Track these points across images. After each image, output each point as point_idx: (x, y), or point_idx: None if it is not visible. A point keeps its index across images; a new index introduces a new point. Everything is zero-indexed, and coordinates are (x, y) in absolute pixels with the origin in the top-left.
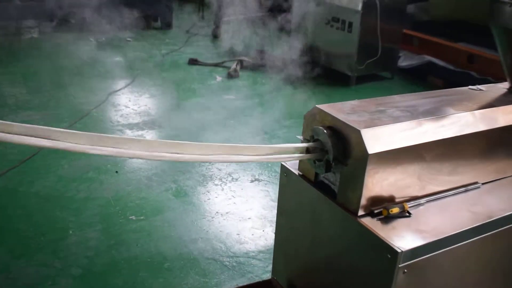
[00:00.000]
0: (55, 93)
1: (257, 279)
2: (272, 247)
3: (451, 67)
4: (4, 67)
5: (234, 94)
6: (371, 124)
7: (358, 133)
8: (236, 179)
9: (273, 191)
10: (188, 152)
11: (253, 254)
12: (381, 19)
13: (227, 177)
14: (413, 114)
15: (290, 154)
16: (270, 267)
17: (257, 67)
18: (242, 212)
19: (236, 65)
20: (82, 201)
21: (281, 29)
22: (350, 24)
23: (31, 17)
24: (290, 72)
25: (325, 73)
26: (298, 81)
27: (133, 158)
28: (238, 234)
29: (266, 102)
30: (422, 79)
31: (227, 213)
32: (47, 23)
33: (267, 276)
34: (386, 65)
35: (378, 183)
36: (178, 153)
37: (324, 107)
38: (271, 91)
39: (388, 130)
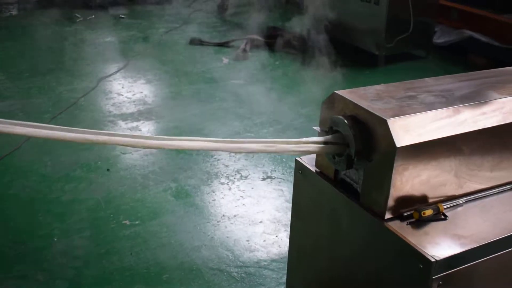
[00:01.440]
0: (37, 79)
1: None
2: (287, 255)
3: (496, 43)
4: None
5: (243, 79)
6: (399, 113)
7: (384, 123)
8: (246, 177)
9: (288, 191)
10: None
11: (265, 263)
12: None
13: (235, 174)
14: (449, 100)
15: (306, 147)
16: (284, 279)
17: (270, 47)
18: (252, 215)
19: (245, 45)
20: (68, 203)
21: (299, 2)
22: None
23: None
24: (308, 51)
25: (348, 52)
26: (317, 62)
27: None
28: (247, 241)
29: (280, 87)
30: (462, 58)
31: (235, 216)
32: None
33: (282, 286)
34: (420, 42)
35: (408, 181)
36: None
37: (345, 93)
38: (286, 75)
39: (419, 119)
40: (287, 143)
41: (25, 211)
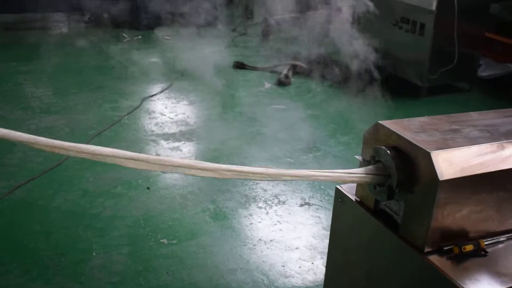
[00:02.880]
0: (83, 96)
1: None
2: (322, 282)
3: None
4: (29, 65)
5: (284, 104)
6: (443, 146)
7: (427, 155)
8: (283, 202)
9: (326, 218)
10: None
11: None
12: (458, 21)
13: (273, 199)
14: (494, 135)
15: (348, 176)
16: None
17: (312, 73)
18: (288, 241)
19: (288, 71)
20: (108, 219)
21: (341, 30)
22: (422, 26)
23: (61, 9)
24: (350, 79)
25: (391, 82)
26: (359, 91)
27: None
28: (283, 266)
29: (321, 114)
30: (506, 92)
31: (271, 240)
32: (78, 17)
33: None
34: (464, 75)
35: (449, 215)
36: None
37: (388, 123)
38: (327, 101)
39: (463, 153)
40: (332, 172)
41: (66, 224)
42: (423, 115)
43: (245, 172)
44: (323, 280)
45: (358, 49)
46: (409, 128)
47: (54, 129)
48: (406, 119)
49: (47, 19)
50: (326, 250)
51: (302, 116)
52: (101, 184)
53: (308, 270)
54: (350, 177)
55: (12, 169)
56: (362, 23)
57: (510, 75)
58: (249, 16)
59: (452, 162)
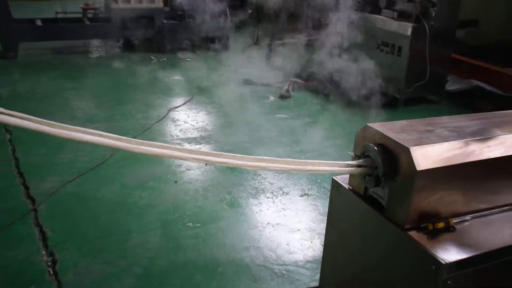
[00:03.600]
0: (120, 107)
1: (304, 287)
2: (320, 258)
3: (499, 92)
4: (74, 83)
5: (285, 113)
6: (420, 143)
7: (407, 150)
8: (287, 193)
9: (322, 206)
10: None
11: (302, 263)
12: (430, 44)
13: (278, 190)
14: (461, 134)
15: (343, 169)
16: (317, 276)
17: (308, 88)
18: (291, 224)
19: (288, 86)
20: (144, 207)
21: (332, 52)
22: (400, 49)
23: (99, 37)
24: (340, 93)
25: (374, 95)
26: (347, 103)
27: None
28: (287, 244)
29: (316, 122)
30: (470, 104)
31: (277, 224)
32: (113, 43)
33: (314, 284)
34: (434, 89)
35: (425, 198)
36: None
37: (375, 125)
38: (321, 111)
39: (436, 148)
40: (330, 165)
41: (110, 211)
42: None
43: (255, 164)
44: (320, 255)
45: (346, 68)
46: (392, 129)
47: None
48: (389, 122)
49: (88, 45)
50: (323, 232)
51: (301, 123)
52: (137, 179)
53: (308, 248)
54: (344, 168)
55: (64, 167)
56: (349, 47)
57: (473, 89)
58: (256, 41)
59: (427, 156)
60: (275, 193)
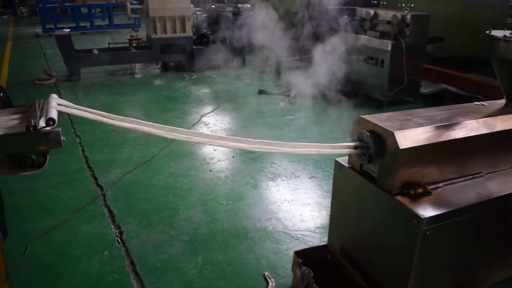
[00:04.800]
0: (162, 115)
1: (315, 246)
2: (326, 225)
3: (462, 92)
4: (124, 97)
5: (293, 115)
6: (401, 128)
7: (392, 134)
8: (298, 176)
9: (326, 185)
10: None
11: (312, 229)
12: (406, 57)
13: (291, 175)
14: (432, 121)
15: (344, 150)
16: (325, 238)
17: (311, 96)
18: (303, 200)
19: (295, 94)
20: (187, 190)
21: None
22: (382, 61)
23: (142, 60)
24: (336, 99)
25: (363, 99)
26: (342, 105)
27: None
28: (300, 215)
29: (318, 121)
30: (439, 103)
31: (292, 200)
32: (153, 65)
33: (323, 243)
34: (411, 92)
35: (406, 170)
36: (263, 145)
37: (367, 117)
38: (322, 113)
39: (414, 132)
40: (332, 147)
41: (161, 194)
42: None
43: (269, 147)
44: (327, 223)
45: (340, 79)
46: (380, 119)
47: (145, 137)
48: (378, 114)
49: (134, 68)
50: (328, 205)
51: (306, 123)
52: (180, 169)
53: (317, 217)
54: (344, 150)
55: (123, 162)
56: (342, 61)
57: (442, 91)
58: (267, 59)
59: (407, 137)
60: (288, 176)
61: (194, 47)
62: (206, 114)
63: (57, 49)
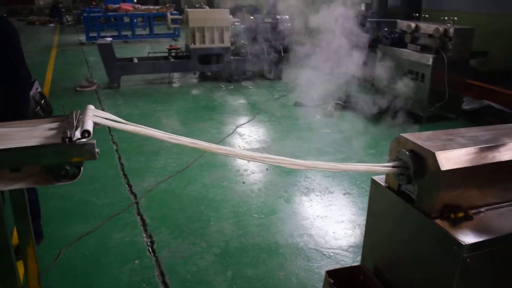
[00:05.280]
0: (198, 125)
1: (347, 265)
2: (360, 243)
3: (506, 109)
4: (162, 106)
5: (330, 129)
6: (443, 148)
7: (433, 155)
8: (332, 192)
9: (361, 202)
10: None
11: (345, 247)
12: (448, 71)
13: (325, 190)
14: (476, 142)
15: (382, 169)
16: (358, 258)
17: (348, 109)
18: (336, 217)
19: (331, 107)
20: (219, 201)
21: (367, 79)
22: (423, 75)
23: (180, 70)
24: (374, 112)
25: (401, 114)
26: (380, 119)
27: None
28: (333, 232)
29: (355, 135)
30: (482, 120)
31: (325, 216)
32: (191, 75)
33: (356, 263)
34: (452, 108)
35: (447, 193)
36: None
37: (406, 135)
38: (359, 127)
39: (456, 153)
40: (372, 165)
41: (194, 204)
42: None
43: (302, 164)
44: (360, 242)
45: (379, 92)
46: (420, 138)
47: (180, 146)
48: (417, 132)
49: (172, 77)
50: (362, 223)
51: (342, 137)
52: (214, 180)
53: (351, 235)
54: (382, 169)
55: (158, 171)
56: (381, 74)
57: (484, 108)
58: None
59: (449, 159)
60: (322, 192)
61: (231, 57)
62: (242, 125)
63: (99, 57)
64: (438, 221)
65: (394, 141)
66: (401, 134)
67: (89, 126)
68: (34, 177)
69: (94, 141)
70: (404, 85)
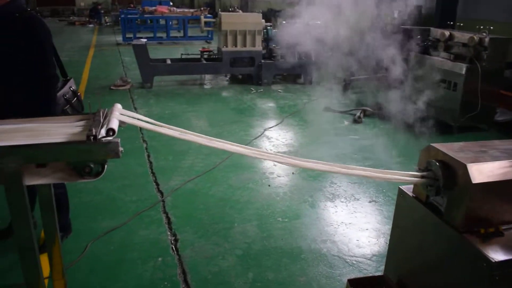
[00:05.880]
0: (227, 126)
1: (369, 274)
2: (384, 253)
3: None
4: (192, 107)
5: (358, 135)
6: (475, 160)
7: (464, 166)
8: (358, 199)
9: (386, 211)
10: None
11: (369, 256)
12: (481, 81)
13: (351, 197)
14: (510, 155)
15: (411, 179)
16: (381, 267)
17: (377, 116)
18: (361, 224)
19: (360, 113)
20: (244, 203)
21: (397, 86)
22: (455, 84)
23: (212, 72)
24: (404, 120)
25: (432, 123)
26: (409, 128)
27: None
28: (357, 240)
29: (382, 143)
30: None
31: (349, 223)
32: (222, 77)
33: (379, 273)
34: (484, 119)
35: (478, 207)
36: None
37: (437, 145)
38: (387, 135)
39: (489, 166)
40: (400, 175)
41: (218, 205)
42: None
43: (328, 169)
44: (384, 251)
45: (409, 100)
46: (451, 149)
47: (207, 148)
48: (448, 143)
49: (204, 78)
50: (387, 232)
51: (370, 143)
52: (239, 181)
53: (374, 244)
54: (411, 179)
55: (185, 170)
56: (412, 83)
57: None
58: (335, 77)
59: (481, 171)
60: (348, 198)
61: (262, 61)
62: (270, 128)
63: (134, 57)
64: (467, 235)
65: (424, 150)
66: (431, 144)
67: (115, 124)
68: (59, 173)
69: (119, 140)
70: (435, 94)
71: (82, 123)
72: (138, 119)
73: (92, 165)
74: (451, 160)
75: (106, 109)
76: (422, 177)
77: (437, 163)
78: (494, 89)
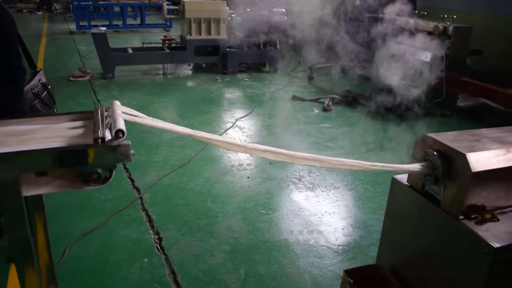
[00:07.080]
0: (197, 117)
1: (359, 263)
2: (370, 239)
3: (502, 108)
4: (159, 98)
5: (328, 123)
6: (472, 150)
7: (464, 156)
8: (338, 188)
9: (366, 199)
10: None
11: (355, 244)
12: (445, 69)
13: (331, 185)
14: (503, 143)
15: (409, 169)
16: (369, 255)
17: (345, 103)
18: (344, 212)
19: (329, 101)
20: (225, 197)
21: (364, 75)
22: (421, 72)
23: (176, 61)
24: (371, 108)
25: (401, 110)
26: (377, 114)
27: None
28: (343, 229)
29: (353, 130)
30: (476, 117)
31: (333, 212)
32: (186, 66)
33: (368, 261)
34: (448, 105)
35: (476, 195)
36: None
37: (432, 135)
38: (357, 123)
39: (485, 154)
40: (397, 165)
41: (199, 200)
42: (423, 131)
43: (313, 159)
44: (371, 239)
45: (375, 88)
46: (446, 138)
47: (181, 139)
48: (442, 133)
49: (167, 68)
50: (371, 220)
51: (341, 131)
52: (217, 174)
53: (359, 232)
54: (410, 169)
55: (160, 165)
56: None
57: (480, 106)
58: (299, 65)
59: (480, 160)
60: (328, 187)
61: (227, 49)
62: (241, 118)
63: (91, 46)
64: (465, 222)
65: (419, 140)
66: (427, 134)
67: (122, 124)
68: (61, 181)
69: (129, 142)
70: (401, 82)
71: (79, 123)
72: (142, 117)
73: (100, 171)
74: (449, 150)
75: (103, 107)
76: (422, 166)
77: (435, 153)
78: (456, 76)
